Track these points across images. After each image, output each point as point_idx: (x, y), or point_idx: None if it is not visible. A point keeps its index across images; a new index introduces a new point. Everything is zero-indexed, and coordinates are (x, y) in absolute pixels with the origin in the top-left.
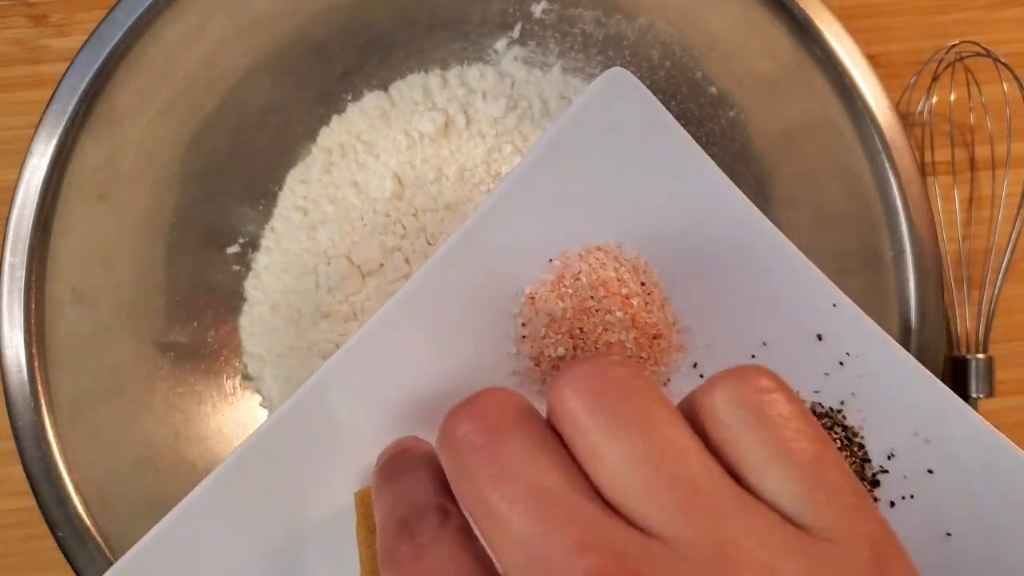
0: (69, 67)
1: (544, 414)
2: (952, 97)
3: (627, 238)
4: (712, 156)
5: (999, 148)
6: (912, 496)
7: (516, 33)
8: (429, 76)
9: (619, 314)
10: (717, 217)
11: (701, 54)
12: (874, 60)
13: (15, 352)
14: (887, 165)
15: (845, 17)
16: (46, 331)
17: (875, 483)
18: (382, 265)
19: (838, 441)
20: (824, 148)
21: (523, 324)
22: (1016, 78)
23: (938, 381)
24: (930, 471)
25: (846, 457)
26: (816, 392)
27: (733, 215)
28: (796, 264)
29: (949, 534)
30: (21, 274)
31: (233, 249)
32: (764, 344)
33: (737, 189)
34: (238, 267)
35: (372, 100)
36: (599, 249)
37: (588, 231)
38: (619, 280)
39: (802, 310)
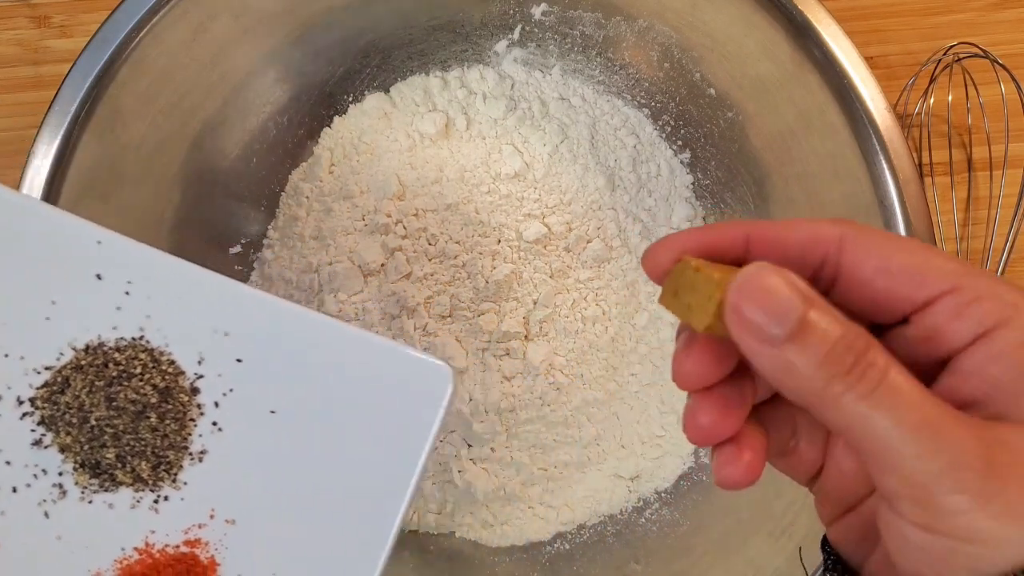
0: (71, 68)
1: None
2: (950, 98)
3: None
4: (711, 157)
5: (996, 149)
6: (232, 389)
7: (516, 35)
8: (430, 77)
9: None
10: None
11: (700, 56)
12: (872, 62)
13: None
14: (885, 166)
15: (843, 19)
16: None
17: (196, 391)
18: (383, 265)
19: (140, 366)
20: (822, 149)
21: None
22: (1014, 79)
23: (216, 273)
24: (239, 360)
25: (158, 377)
26: (115, 328)
27: None
28: (51, 219)
29: (273, 411)
30: None
31: (235, 249)
32: (53, 303)
33: None
34: (240, 267)
35: (373, 101)
36: None
37: None
38: None
39: (71, 256)
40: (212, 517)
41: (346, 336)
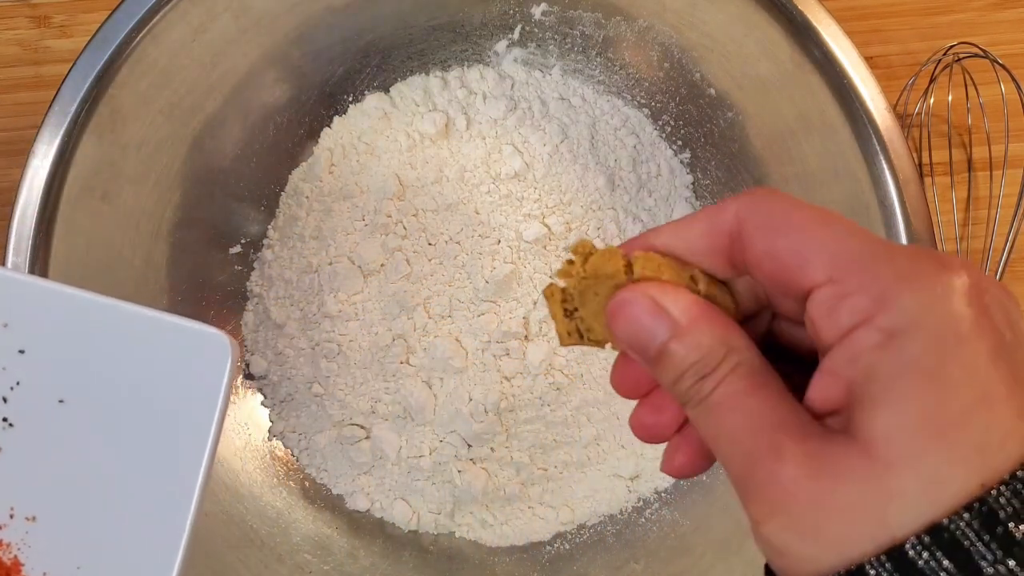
0: (71, 68)
1: None
2: (950, 98)
3: None
4: (711, 157)
5: (996, 149)
6: (19, 382)
7: (516, 35)
8: (430, 77)
9: None
10: None
11: (700, 56)
12: (872, 62)
13: None
14: (885, 166)
15: (843, 19)
16: None
17: None
18: (383, 265)
19: None
20: (822, 149)
21: None
22: (1014, 79)
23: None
24: (22, 351)
25: None
26: None
27: None
28: None
29: (62, 401)
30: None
31: (235, 249)
32: None
33: None
34: (240, 267)
35: (373, 101)
36: None
37: None
38: None
39: None
40: (12, 516)
41: (123, 314)
